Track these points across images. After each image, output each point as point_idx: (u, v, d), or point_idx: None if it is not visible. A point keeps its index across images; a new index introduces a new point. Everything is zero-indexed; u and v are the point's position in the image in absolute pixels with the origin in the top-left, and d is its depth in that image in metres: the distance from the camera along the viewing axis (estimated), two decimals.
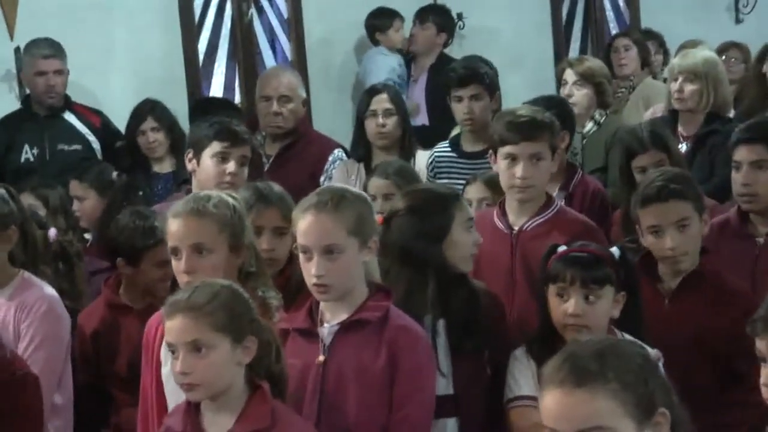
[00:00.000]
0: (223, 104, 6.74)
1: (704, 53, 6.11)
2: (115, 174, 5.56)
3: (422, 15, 7.89)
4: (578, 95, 6.06)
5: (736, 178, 4.26)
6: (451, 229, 3.72)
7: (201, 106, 6.55)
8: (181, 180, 5.69)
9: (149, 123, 6.20)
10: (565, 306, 3.53)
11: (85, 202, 5.43)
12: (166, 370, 3.49)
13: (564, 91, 6.12)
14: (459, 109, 5.50)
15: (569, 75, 6.20)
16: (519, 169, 4.11)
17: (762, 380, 2.66)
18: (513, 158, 4.13)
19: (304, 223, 3.40)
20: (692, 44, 7.66)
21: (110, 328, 4.32)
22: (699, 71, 5.75)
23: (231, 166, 4.60)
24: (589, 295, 3.52)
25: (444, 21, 7.91)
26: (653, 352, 2.51)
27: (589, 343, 2.39)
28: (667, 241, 3.89)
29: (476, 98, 5.47)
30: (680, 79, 5.74)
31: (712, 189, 5.29)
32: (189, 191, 4.57)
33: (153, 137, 6.19)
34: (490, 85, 5.49)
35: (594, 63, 6.44)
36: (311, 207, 3.40)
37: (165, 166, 6.25)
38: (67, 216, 5.20)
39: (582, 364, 2.29)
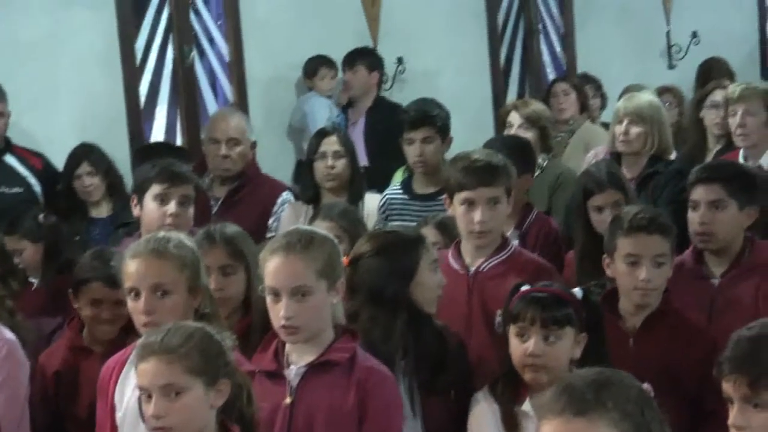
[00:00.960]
0: (169, 148, 6.71)
1: (648, 97, 6.22)
2: (41, 216, 5.50)
3: (349, 60, 7.93)
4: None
5: (693, 217, 4.30)
6: (418, 271, 3.74)
7: (145, 151, 6.53)
8: (119, 224, 5.66)
9: (84, 167, 6.16)
10: (524, 346, 3.55)
11: (24, 253, 5.36)
12: (120, 415, 3.46)
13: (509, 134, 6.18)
14: (411, 152, 5.52)
15: (515, 118, 6.27)
16: (477, 214, 4.14)
17: (730, 421, 2.69)
18: (470, 203, 4.16)
19: (273, 264, 3.40)
20: (636, 88, 7.79)
21: (71, 369, 4.27)
22: (644, 114, 5.84)
23: (171, 206, 4.60)
24: (549, 335, 3.54)
25: (372, 60, 7.96)
26: (645, 385, 2.52)
27: (585, 373, 2.41)
28: (642, 273, 3.93)
29: (428, 141, 5.49)
30: (626, 122, 5.82)
31: None
32: (140, 236, 4.55)
33: (89, 181, 6.15)
34: (441, 128, 5.51)
35: (538, 107, 6.52)
36: (280, 248, 3.41)
37: (102, 210, 6.20)
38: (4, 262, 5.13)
39: (580, 394, 2.31)
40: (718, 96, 6.45)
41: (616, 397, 2.30)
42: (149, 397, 3.06)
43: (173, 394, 3.03)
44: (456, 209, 4.22)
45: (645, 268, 3.93)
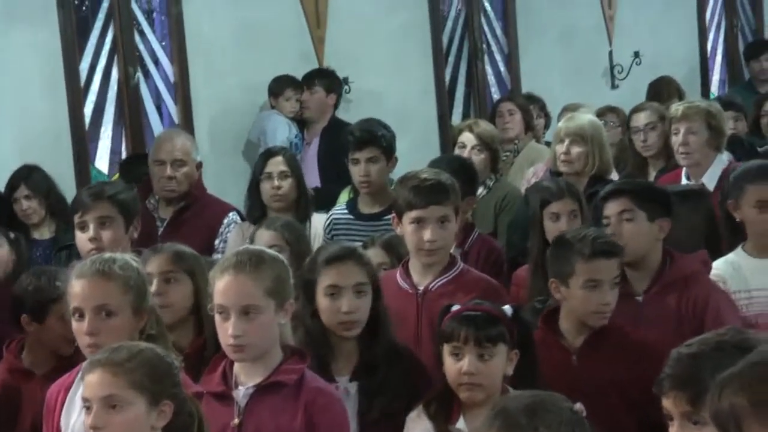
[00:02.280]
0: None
1: (589, 117, 6.30)
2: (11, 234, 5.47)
3: (308, 80, 7.95)
4: (477, 160, 6.17)
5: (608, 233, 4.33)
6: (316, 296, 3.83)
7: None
8: (60, 246, 5.63)
9: (22, 191, 6.14)
10: (459, 365, 3.56)
11: None
12: None
13: (462, 154, 6.19)
14: (356, 172, 5.52)
15: (468, 139, 6.31)
16: (427, 233, 4.16)
17: None
18: (420, 222, 4.18)
19: (222, 282, 3.41)
20: (574, 107, 7.87)
21: (11, 393, 4.23)
22: (586, 134, 5.89)
23: (90, 231, 4.60)
24: (483, 353, 3.56)
25: (330, 82, 7.99)
26: (578, 405, 2.55)
27: (519, 397, 2.44)
28: (607, 296, 3.97)
29: (373, 161, 5.48)
30: (567, 142, 5.87)
31: None
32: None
33: (26, 205, 6.13)
34: (387, 148, 5.51)
35: (491, 128, 6.59)
36: (230, 267, 3.42)
37: (44, 233, 6.17)
38: None
39: (514, 418, 2.33)
40: (637, 120, 6.54)
41: (549, 421, 2.34)
42: (90, 409, 3.03)
43: (114, 407, 3.00)
44: (405, 228, 4.24)
45: (607, 292, 3.99)
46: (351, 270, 3.85)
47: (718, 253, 4.67)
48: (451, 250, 4.60)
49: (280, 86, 7.86)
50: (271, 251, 3.64)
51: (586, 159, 5.88)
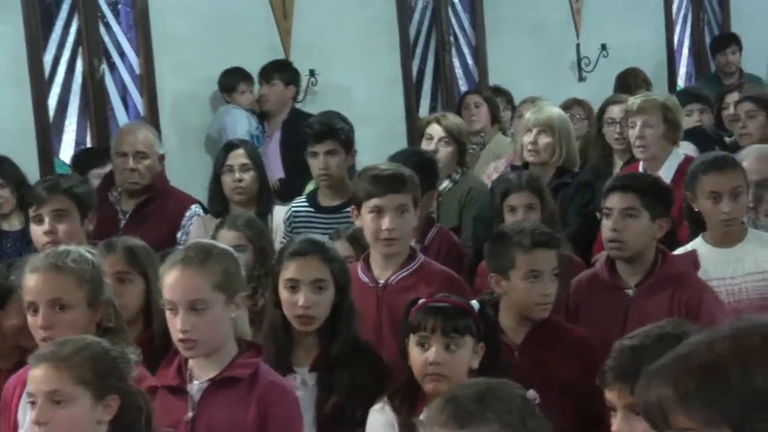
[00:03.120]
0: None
1: (556, 109, 6.34)
2: None
3: (266, 73, 7.90)
4: (444, 152, 6.18)
5: (606, 224, 4.36)
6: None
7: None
8: (30, 238, 5.60)
9: None
10: (426, 355, 3.57)
11: None
12: None
13: (429, 147, 6.20)
14: (315, 165, 5.52)
15: (436, 131, 6.30)
16: (386, 221, 4.19)
17: (614, 428, 2.75)
18: (379, 211, 4.20)
19: (170, 278, 3.42)
20: (531, 100, 7.89)
21: None
22: (553, 125, 5.94)
23: (45, 225, 4.61)
24: (450, 344, 3.57)
25: (289, 74, 7.96)
26: (530, 393, 2.56)
27: (470, 385, 2.44)
28: (548, 287, 4.01)
29: (332, 154, 5.48)
30: (534, 132, 5.91)
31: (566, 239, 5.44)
32: None
33: None
34: (345, 141, 5.51)
35: (458, 120, 6.59)
36: (178, 262, 3.43)
37: (14, 224, 6.12)
38: None
39: (463, 406, 2.33)
40: (613, 112, 6.55)
41: (498, 408, 2.34)
42: (34, 404, 3.03)
43: (58, 402, 3.00)
44: (364, 219, 4.26)
45: (547, 283, 4.01)
46: (312, 265, 3.87)
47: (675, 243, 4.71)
48: (411, 244, 4.62)
49: (231, 81, 7.82)
50: (221, 245, 3.64)
51: (553, 150, 5.93)
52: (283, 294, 3.87)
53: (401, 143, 8.38)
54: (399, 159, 5.06)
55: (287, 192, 6.53)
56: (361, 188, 4.28)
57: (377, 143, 7.69)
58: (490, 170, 6.80)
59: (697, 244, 4.74)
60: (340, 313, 3.88)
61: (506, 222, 4.80)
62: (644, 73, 9.35)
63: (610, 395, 2.70)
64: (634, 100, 5.97)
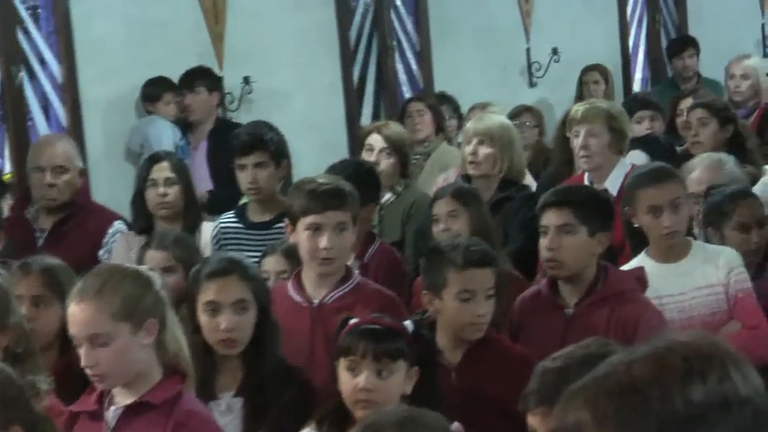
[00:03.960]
0: None
1: (499, 117, 6.35)
2: None
3: (188, 81, 7.86)
4: (385, 163, 6.19)
5: (543, 243, 4.38)
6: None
7: None
8: None
9: None
10: (355, 380, 3.58)
11: None
12: None
13: (370, 158, 6.21)
14: (243, 178, 5.51)
15: (377, 141, 6.30)
16: (324, 240, 4.18)
17: None
18: (316, 228, 4.20)
19: (70, 311, 3.42)
20: (481, 106, 7.94)
21: None
22: (494, 135, 5.92)
23: None
24: (381, 369, 3.58)
25: (211, 80, 7.94)
26: (454, 425, 2.59)
27: (393, 412, 2.46)
28: (482, 308, 4.02)
29: (261, 166, 5.46)
30: (474, 142, 5.91)
31: (507, 257, 5.47)
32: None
33: None
34: (275, 152, 5.50)
35: (400, 129, 6.60)
36: (75, 294, 3.41)
37: None
38: None
39: None
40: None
41: None
42: None
43: None
44: (299, 236, 4.26)
45: (480, 303, 4.03)
46: (231, 285, 3.87)
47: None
48: (349, 262, 4.64)
49: (157, 90, 7.80)
50: (124, 268, 3.58)
51: (494, 161, 5.91)
52: (203, 318, 3.87)
53: (342, 153, 8.39)
54: (337, 171, 5.07)
55: (217, 205, 6.52)
56: (298, 203, 4.27)
57: (316, 153, 7.70)
58: (440, 181, 6.82)
59: (641, 260, 4.79)
60: (264, 334, 3.88)
61: (433, 233, 4.83)
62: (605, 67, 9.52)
63: (533, 420, 2.72)
64: (576, 108, 6.00)
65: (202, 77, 7.89)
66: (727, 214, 5.07)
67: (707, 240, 5.06)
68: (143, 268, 3.63)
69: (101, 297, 3.36)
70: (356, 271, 4.51)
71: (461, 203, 4.98)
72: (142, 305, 3.41)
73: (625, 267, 4.75)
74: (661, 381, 1.71)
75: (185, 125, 7.90)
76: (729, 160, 5.79)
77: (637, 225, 4.76)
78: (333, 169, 5.23)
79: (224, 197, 6.59)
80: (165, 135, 7.65)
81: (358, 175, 5.07)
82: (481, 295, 4.03)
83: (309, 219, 4.21)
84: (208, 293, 3.87)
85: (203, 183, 7.41)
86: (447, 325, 4.07)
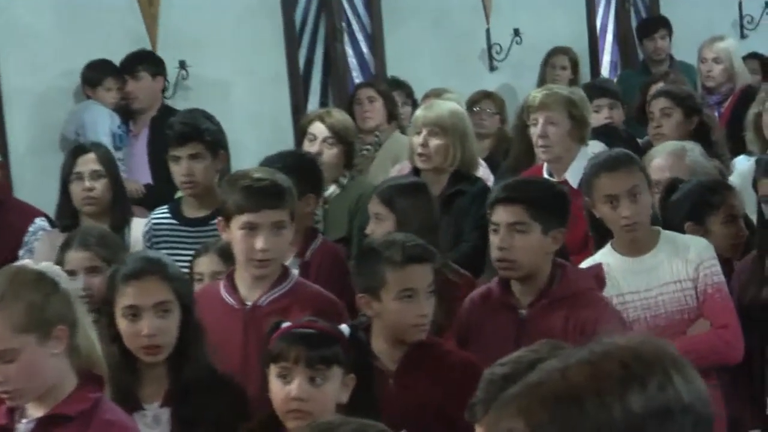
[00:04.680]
0: None
1: (450, 105, 6.29)
2: None
3: (129, 66, 7.84)
4: (328, 154, 6.18)
5: (494, 241, 4.37)
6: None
7: None
8: None
9: None
10: (287, 389, 3.58)
11: None
12: None
13: (312, 148, 6.21)
14: (177, 171, 5.49)
15: (319, 130, 6.28)
16: (260, 241, 4.18)
17: None
18: (252, 227, 4.18)
19: None
20: (436, 93, 7.92)
21: None
22: (445, 124, 5.89)
23: None
24: (315, 376, 3.58)
25: (155, 65, 7.91)
26: None
27: (338, 422, 2.44)
28: (424, 307, 4.02)
29: (196, 158, 5.45)
30: (424, 133, 5.88)
31: (460, 256, 5.46)
32: None
33: None
34: (212, 143, 5.47)
35: (345, 117, 6.58)
36: None
37: None
38: None
39: None
40: None
41: None
42: None
43: None
44: (233, 234, 4.24)
45: (422, 302, 4.03)
46: (152, 287, 3.85)
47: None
48: (288, 261, 4.62)
49: (98, 75, 7.76)
50: (26, 271, 3.51)
51: (445, 153, 5.88)
52: (122, 324, 3.84)
53: (287, 144, 8.37)
54: (274, 163, 5.04)
55: (155, 200, 6.48)
56: (232, 200, 4.25)
57: (259, 145, 7.68)
58: (392, 173, 6.80)
59: (606, 253, 4.80)
60: (188, 337, 3.86)
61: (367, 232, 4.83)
62: (573, 52, 9.52)
63: (481, 431, 2.70)
64: (535, 94, 5.99)
65: (144, 61, 7.87)
66: (714, 206, 5.08)
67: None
68: (49, 268, 3.55)
69: (1, 310, 3.32)
70: (294, 271, 4.50)
71: (385, 204, 4.97)
72: (48, 313, 3.38)
73: (589, 260, 4.75)
74: (598, 388, 1.71)
75: (127, 112, 7.84)
76: (694, 149, 5.81)
77: (598, 216, 4.76)
78: (269, 162, 5.20)
79: (164, 191, 6.55)
80: (101, 121, 7.61)
81: (296, 166, 5.05)
82: (423, 293, 4.03)
83: (244, 218, 4.20)
84: (126, 297, 3.84)
85: (142, 175, 7.38)
86: (385, 329, 4.07)
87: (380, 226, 4.94)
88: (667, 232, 4.87)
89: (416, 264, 4.03)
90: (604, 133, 6.74)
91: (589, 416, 1.69)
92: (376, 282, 4.05)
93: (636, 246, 4.75)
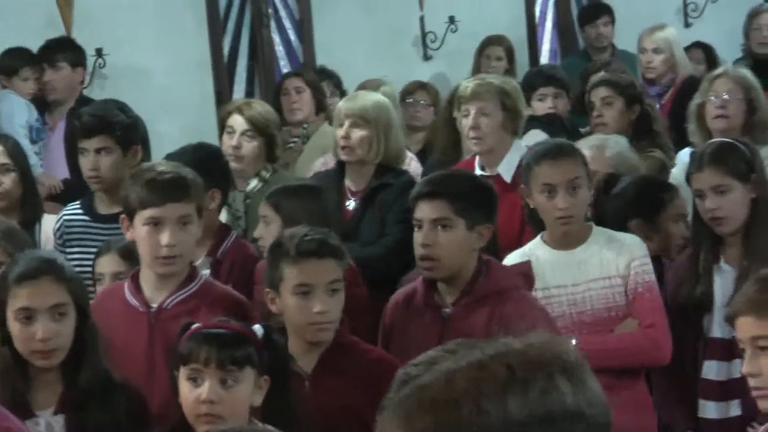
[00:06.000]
0: None
1: (374, 96, 6.32)
2: None
3: (47, 55, 7.78)
4: (247, 147, 6.21)
5: (417, 238, 4.40)
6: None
7: None
8: None
9: None
10: (198, 391, 3.60)
11: None
12: None
13: (231, 141, 6.24)
14: (84, 164, 5.50)
15: (238, 123, 6.31)
16: (165, 236, 4.19)
17: None
18: (156, 223, 4.20)
19: None
20: (372, 84, 7.94)
21: None
22: (369, 116, 5.92)
23: None
24: (226, 378, 3.60)
25: (75, 54, 7.86)
26: None
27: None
28: (322, 304, 4.04)
29: (104, 152, 5.46)
30: (347, 124, 5.91)
31: (383, 251, 5.51)
32: None
33: None
34: (123, 137, 5.50)
35: (266, 109, 6.59)
36: None
37: None
38: None
39: None
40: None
41: None
42: None
43: None
44: (137, 231, 4.25)
45: (320, 299, 4.05)
46: (46, 288, 3.84)
47: None
48: (199, 260, 4.64)
49: (13, 63, 7.72)
50: None
51: (369, 145, 5.91)
52: (15, 327, 3.82)
53: (211, 136, 8.32)
54: (179, 157, 5.07)
55: (72, 195, 6.45)
56: (135, 195, 4.27)
57: (181, 137, 7.60)
58: (318, 166, 6.82)
59: (536, 245, 4.86)
60: (84, 340, 3.87)
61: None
62: (508, 40, 9.56)
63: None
64: (466, 84, 6.02)
65: (64, 50, 7.83)
66: (665, 203, 5.15)
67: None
68: None
69: None
70: (206, 271, 4.51)
71: (271, 206, 5.01)
72: None
73: (518, 252, 4.80)
74: (479, 392, 1.72)
75: (43, 104, 7.81)
76: (620, 142, 5.90)
77: (532, 206, 4.82)
78: (174, 156, 5.25)
79: (82, 186, 6.53)
80: (18, 113, 7.57)
81: (199, 160, 5.07)
82: (321, 289, 4.04)
83: (147, 213, 4.22)
84: (19, 299, 3.82)
85: (59, 169, 7.36)
86: (290, 327, 4.09)
87: (267, 230, 4.98)
88: (600, 227, 4.93)
89: (314, 258, 4.05)
90: (546, 122, 6.79)
91: (466, 422, 1.70)
92: (276, 276, 4.09)
93: (567, 239, 4.81)
